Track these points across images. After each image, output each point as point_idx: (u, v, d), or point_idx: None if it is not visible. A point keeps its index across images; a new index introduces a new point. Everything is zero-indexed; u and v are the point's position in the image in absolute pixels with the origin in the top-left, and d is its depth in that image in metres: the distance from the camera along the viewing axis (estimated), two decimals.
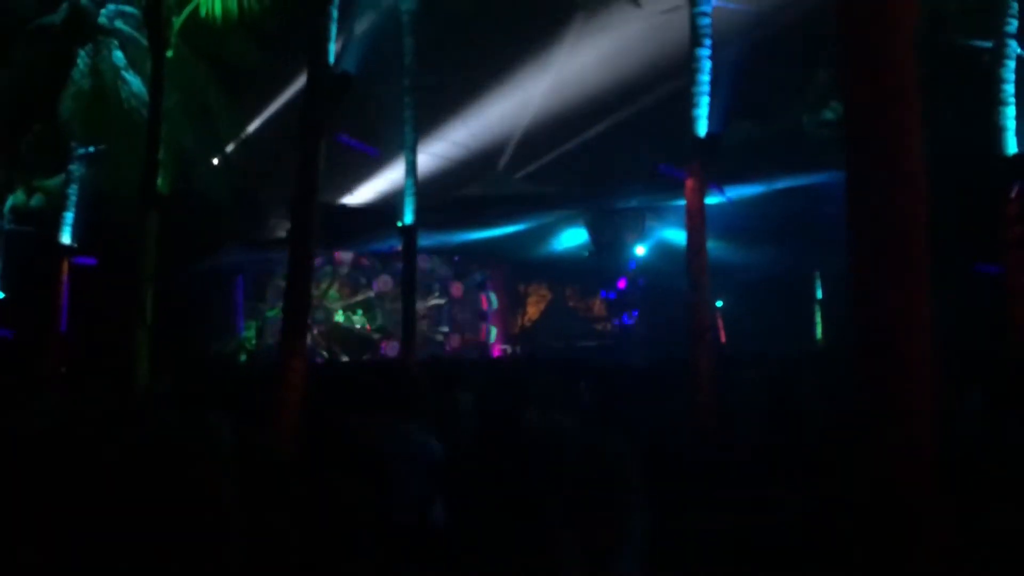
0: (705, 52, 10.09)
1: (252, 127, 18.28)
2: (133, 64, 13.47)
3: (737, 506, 5.74)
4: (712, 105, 10.19)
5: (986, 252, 12.08)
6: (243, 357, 20.25)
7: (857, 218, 4.00)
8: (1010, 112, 10.70)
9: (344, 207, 19.69)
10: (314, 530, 6.29)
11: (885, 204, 3.86)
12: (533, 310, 25.51)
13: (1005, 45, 10.65)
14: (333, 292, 22.44)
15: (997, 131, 10.74)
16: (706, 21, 10.10)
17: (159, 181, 11.27)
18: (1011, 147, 10.69)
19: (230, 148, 15.21)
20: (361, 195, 21.82)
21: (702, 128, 10.07)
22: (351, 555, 5.78)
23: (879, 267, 3.93)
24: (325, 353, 21.67)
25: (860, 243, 3.99)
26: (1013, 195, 10.69)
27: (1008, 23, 10.61)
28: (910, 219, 3.89)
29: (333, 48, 8.85)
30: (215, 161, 15.01)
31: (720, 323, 19.77)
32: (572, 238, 21.16)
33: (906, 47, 3.94)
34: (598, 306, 24.66)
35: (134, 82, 13.43)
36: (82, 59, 13.24)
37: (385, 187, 20.23)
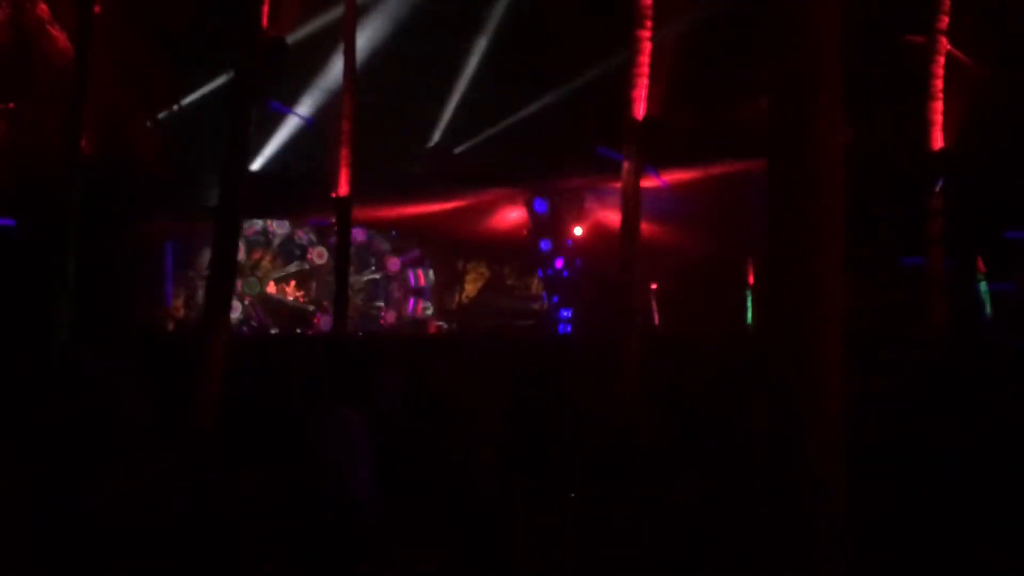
0: (645, 34, 10.07)
1: (189, 92, 17.79)
2: (59, 18, 12.91)
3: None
4: (651, 88, 10.19)
5: (912, 245, 12.39)
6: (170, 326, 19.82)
7: (776, 207, 4.01)
8: (938, 108, 10.95)
9: (280, 175, 19.29)
10: (229, 503, 6.21)
11: (803, 194, 3.88)
12: (471, 287, 25.44)
13: (936, 41, 10.87)
14: (265, 263, 22.05)
15: (925, 126, 10.98)
16: (647, 3, 10.07)
17: (84, 142, 10.86)
18: (938, 142, 10.95)
19: (164, 113, 14.74)
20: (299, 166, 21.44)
21: (640, 111, 10.08)
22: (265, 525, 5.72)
23: (796, 256, 3.95)
24: (255, 324, 21.31)
25: (778, 232, 4.01)
26: (937, 190, 10.97)
27: (940, 19, 10.83)
28: (827, 210, 3.92)
29: (266, 12, 8.59)
30: (147, 124, 14.52)
31: (654, 305, 19.99)
32: (512, 217, 21.14)
33: (830, 40, 3.95)
34: (536, 285, 24.69)
35: (60, 37, 12.88)
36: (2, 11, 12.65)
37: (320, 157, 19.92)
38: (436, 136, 21.39)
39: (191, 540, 5.55)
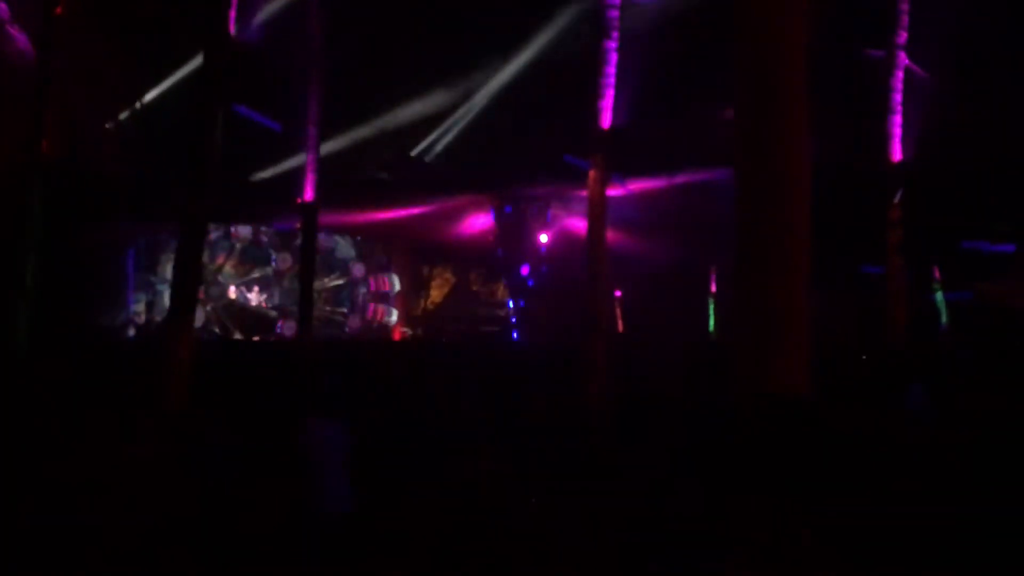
0: (612, 45, 10.18)
1: (152, 93, 17.60)
2: (19, 19, 12.72)
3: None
4: (617, 99, 10.30)
5: (871, 254, 12.62)
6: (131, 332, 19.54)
7: (743, 215, 4.09)
8: (897, 121, 11.19)
9: (245, 181, 19.12)
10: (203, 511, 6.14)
11: (769, 202, 3.96)
12: (436, 293, 25.41)
13: (895, 56, 11.13)
14: (228, 268, 21.82)
15: (885, 139, 11.22)
16: (614, 14, 10.19)
17: (45, 144, 10.69)
18: (896, 154, 11.18)
19: (125, 115, 14.58)
20: (264, 171, 21.28)
21: (606, 120, 10.18)
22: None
23: (762, 262, 4.03)
24: (217, 330, 21.08)
25: (745, 239, 4.09)
26: (896, 200, 11.20)
27: (898, 35, 11.08)
28: (793, 218, 4.01)
29: (233, 15, 8.56)
30: (108, 126, 14.37)
31: (618, 312, 20.13)
32: (478, 223, 21.17)
33: (795, 53, 4.04)
34: (501, 291, 24.73)
35: (20, 38, 12.69)
36: None
37: (288, 163, 19.81)
38: (402, 143, 21.35)
39: (163, 556, 5.49)
